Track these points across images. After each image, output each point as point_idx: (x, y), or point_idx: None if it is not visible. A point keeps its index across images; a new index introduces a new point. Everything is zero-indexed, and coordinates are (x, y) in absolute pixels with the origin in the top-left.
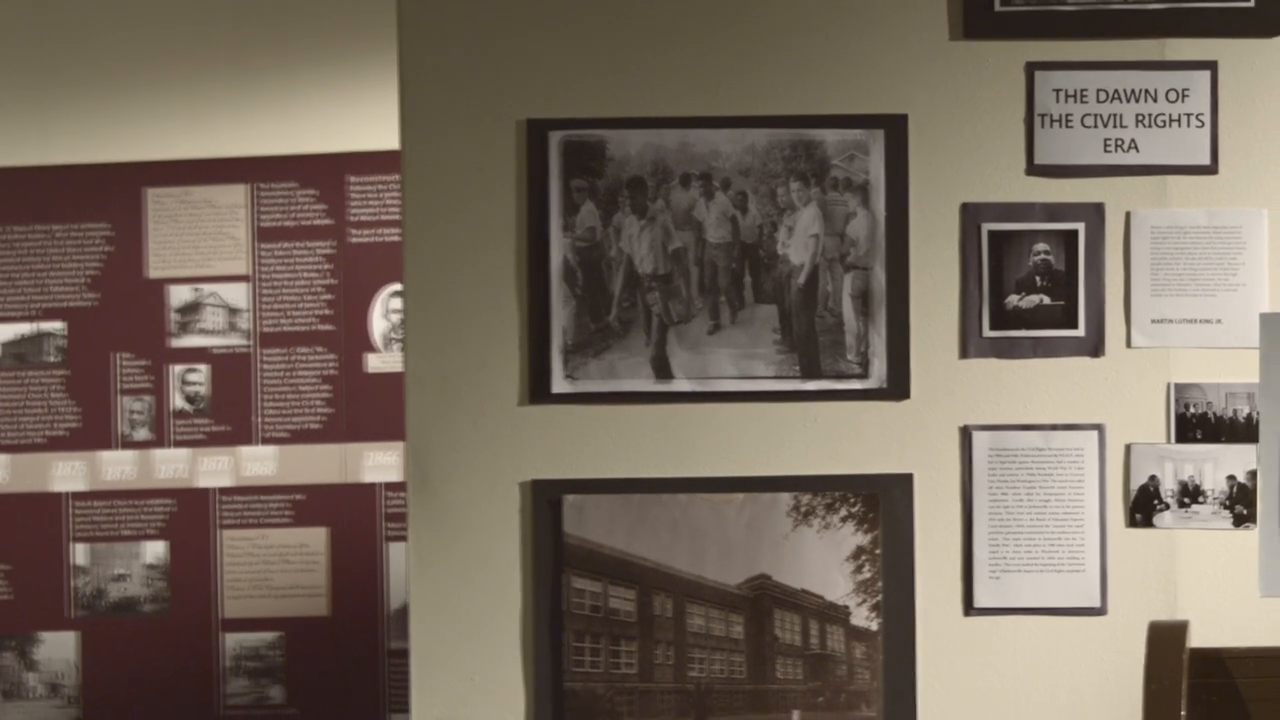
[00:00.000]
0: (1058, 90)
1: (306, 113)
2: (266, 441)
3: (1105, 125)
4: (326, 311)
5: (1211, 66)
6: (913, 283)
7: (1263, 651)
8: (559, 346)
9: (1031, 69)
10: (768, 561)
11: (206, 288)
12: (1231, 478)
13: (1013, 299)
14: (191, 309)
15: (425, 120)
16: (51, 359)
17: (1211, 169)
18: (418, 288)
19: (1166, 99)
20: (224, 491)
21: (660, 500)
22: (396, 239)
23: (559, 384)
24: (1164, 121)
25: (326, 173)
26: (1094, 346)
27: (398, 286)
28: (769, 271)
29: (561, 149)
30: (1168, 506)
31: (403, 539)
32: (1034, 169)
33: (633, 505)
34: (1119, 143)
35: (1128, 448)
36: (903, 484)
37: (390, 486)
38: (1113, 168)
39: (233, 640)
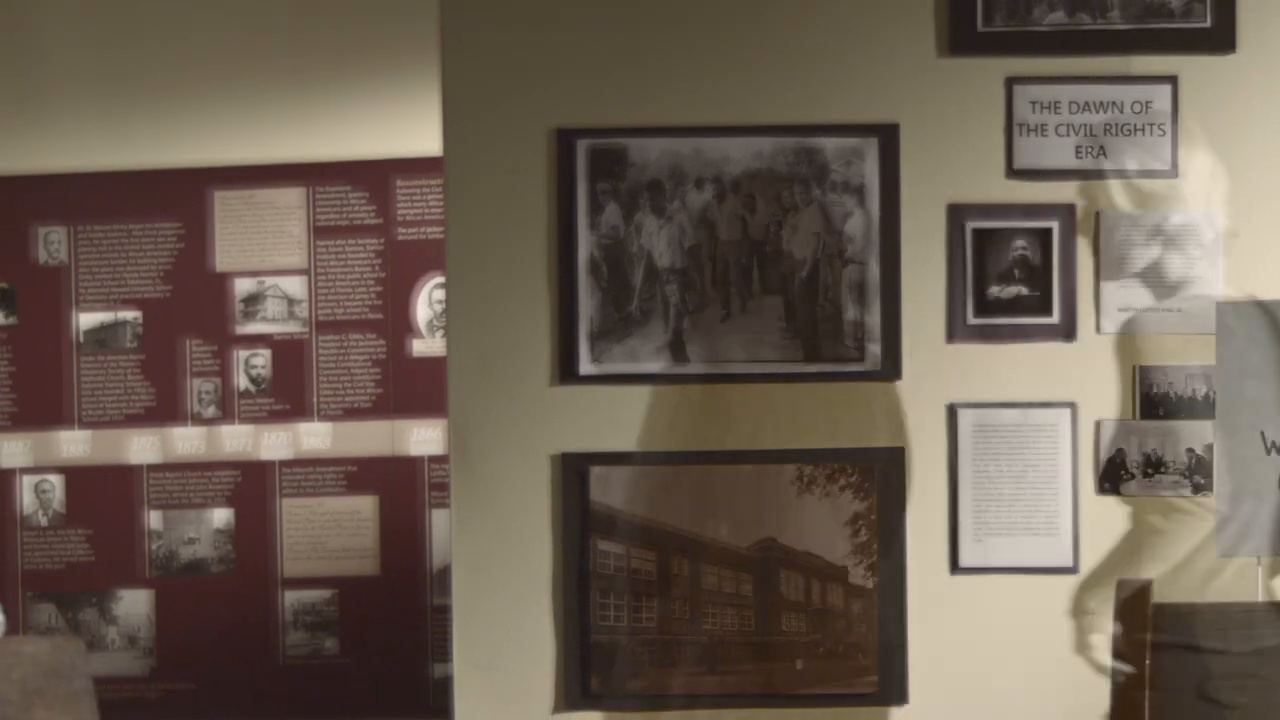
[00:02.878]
0: (1034, 102)
1: (358, 122)
2: (322, 418)
3: (1077, 133)
4: (376, 301)
5: (1172, 80)
6: (904, 275)
7: (1218, 606)
8: (586, 332)
9: (1010, 83)
10: (774, 526)
11: (268, 280)
12: (1190, 450)
13: (994, 290)
14: (254, 299)
15: (465, 129)
16: (129, 344)
17: (1172, 172)
18: (458, 279)
19: (1132, 110)
20: (284, 463)
21: (677, 471)
22: (439, 236)
23: (586, 366)
24: (1129, 130)
25: (376, 176)
26: (1067, 332)
27: (440, 278)
28: (775, 266)
29: (588, 155)
30: (1133, 476)
31: (445, 506)
32: (1013, 173)
33: (652, 475)
34: (1089, 149)
35: (1097, 423)
36: (895, 457)
37: (433, 459)
38: (1083, 171)
39: (292, 597)
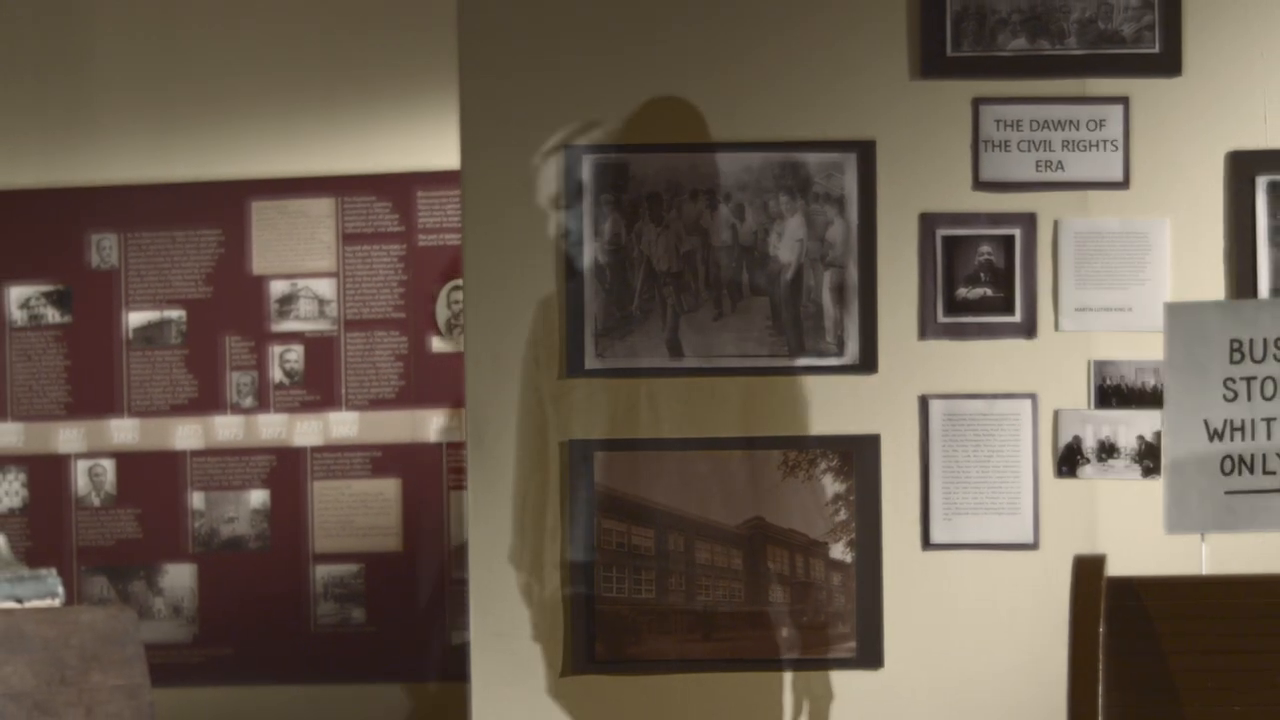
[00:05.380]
0: (998, 120)
1: (383, 139)
2: (350, 408)
3: (1037, 149)
4: (399, 302)
5: (1124, 101)
6: (880, 278)
7: (1167, 579)
8: (591, 330)
9: (977, 103)
10: (761, 506)
11: (301, 282)
12: (1141, 437)
13: (962, 291)
14: (288, 300)
15: (481, 145)
16: (174, 341)
17: (1124, 185)
18: (475, 282)
19: (1087, 127)
20: (315, 449)
21: (674, 456)
22: (457, 243)
23: (591, 361)
24: (1085, 146)
25: (399, 188)
26: (1028, 330)
27: (458, 282)
28: (763, 269)
29: (593, 169)
30: (1089, 461)
31: (462, 488)
32: (979, 185)
33: (651, 460)
34: (1048, 163)
35: (1056, 413)
36: (872, 443)
37: (452, 445)
38: (1043, 184)
39: (322, 571)
